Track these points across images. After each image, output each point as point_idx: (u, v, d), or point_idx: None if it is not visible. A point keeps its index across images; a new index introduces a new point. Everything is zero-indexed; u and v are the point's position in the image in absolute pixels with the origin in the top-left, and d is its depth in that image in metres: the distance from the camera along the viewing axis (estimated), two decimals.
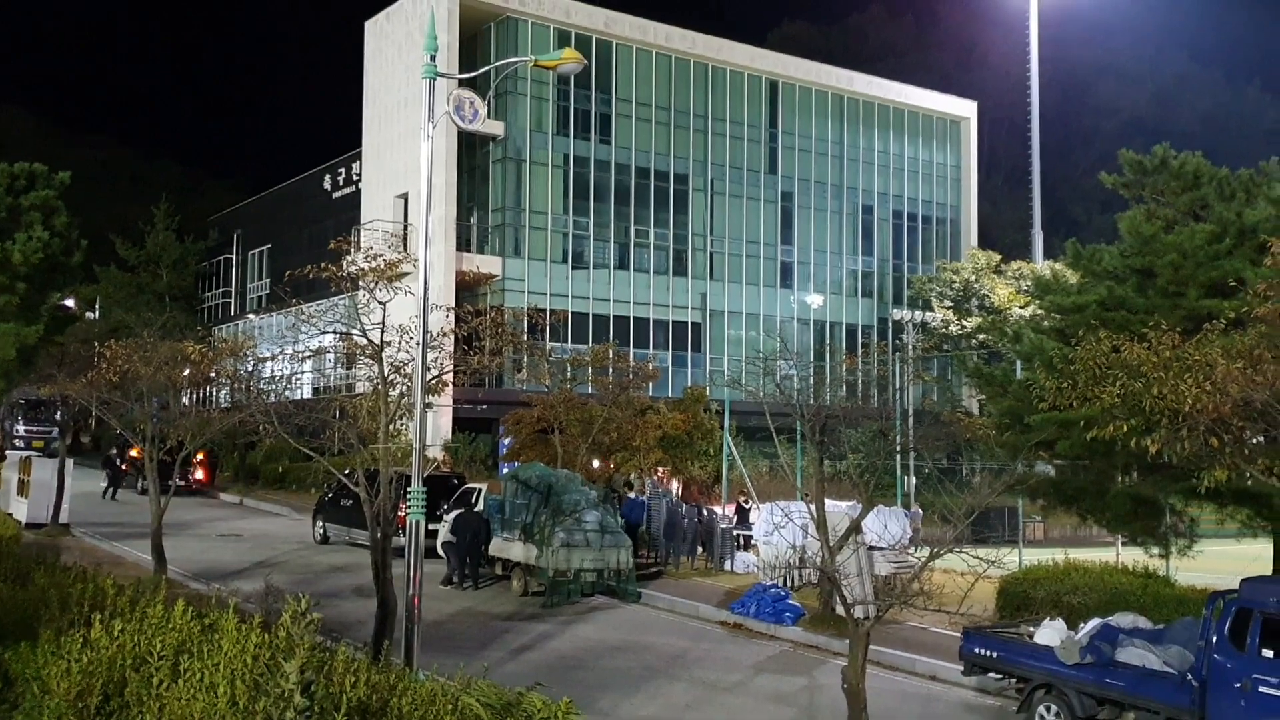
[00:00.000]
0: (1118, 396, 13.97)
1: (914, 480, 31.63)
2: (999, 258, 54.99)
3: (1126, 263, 18.00)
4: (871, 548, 19.83)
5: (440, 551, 23.40)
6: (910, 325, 46.40)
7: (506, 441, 36.55)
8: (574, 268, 52.62)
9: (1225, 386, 12.80)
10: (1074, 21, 77.37)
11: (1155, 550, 18.12)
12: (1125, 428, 13.84)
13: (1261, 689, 10.96)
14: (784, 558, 20.24)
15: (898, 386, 28.83)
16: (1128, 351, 14.21)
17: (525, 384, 39.36)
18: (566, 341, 47.21)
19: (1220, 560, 18.87)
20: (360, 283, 16.50)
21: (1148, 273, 17.60)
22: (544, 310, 39.17)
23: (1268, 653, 11.12)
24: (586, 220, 53.56)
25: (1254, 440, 14.32)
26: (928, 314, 51.35)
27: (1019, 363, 20.90)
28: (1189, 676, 11.74)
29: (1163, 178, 18.81)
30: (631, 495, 27.48)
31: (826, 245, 61.80)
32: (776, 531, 17.56)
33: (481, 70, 17.06)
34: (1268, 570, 16.72)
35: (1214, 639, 11.63)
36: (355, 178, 56.62)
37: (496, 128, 49.81)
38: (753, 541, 25.53)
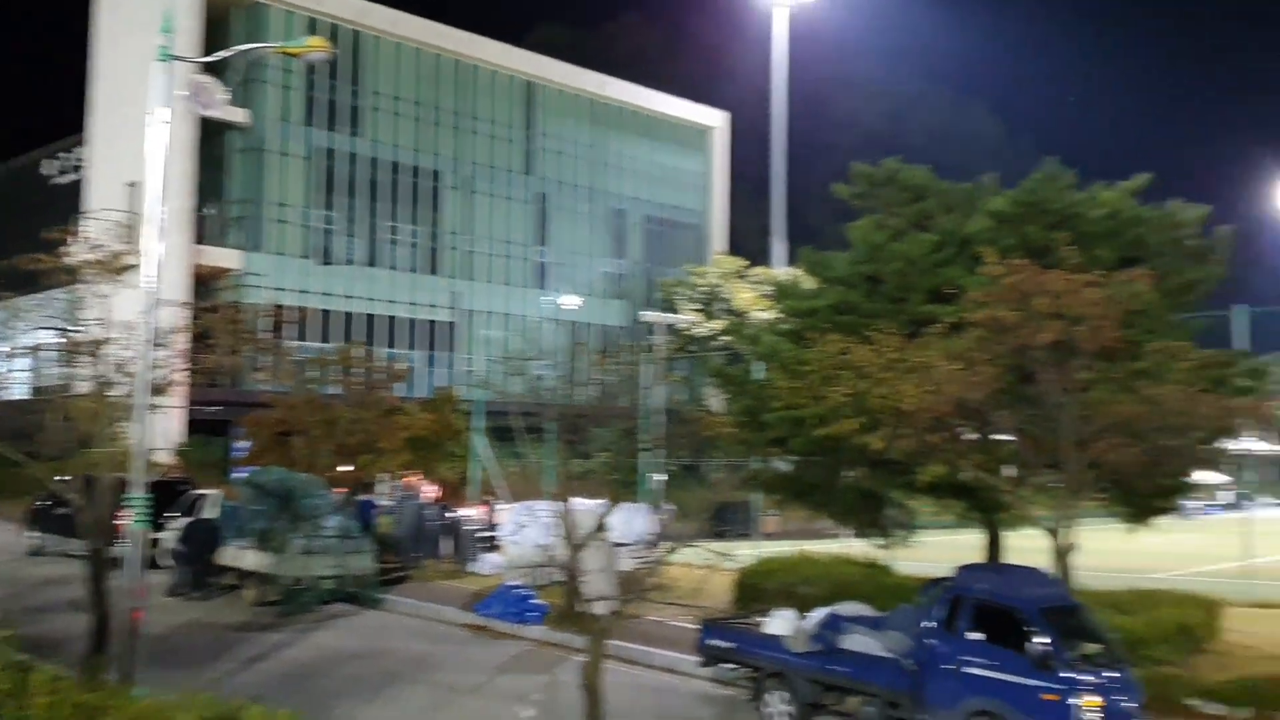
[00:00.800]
0: (846, 396, 14.65)
1: (661, 477, 32.29)
2: (744, 263, 56.90)
3: (857, 269, 18.86)
4: (616, 544, 20.03)
5: (170, 560, 22.13)
6: (659, 327, 47.42)
7: (244, 445, 34.88)
8: (321, 263, 50.95)
9: (943, 387, 13.62)
10: (817, 38, 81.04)
11: (879, 541, 19.08)
12: (852, 425, 14.53)
13: (968, 669, 11.70)
14: (530, 557, 20.20)
15: (645, 386, 29.34)
16: (856, 353, 14.92)
17: (266, 385, 37.74)
18: (312, 340, 45.60)
19: (938, 550, 20.06)
20: (81, 275, 15.35)
21: (876, 279, 18.49)
22: (288, 307, 37.75)
23: (977, 635, 11.88)
24: (335, 215, 51.96)
25: (968, 438, 15.32)
26: (676, 316, 52.59)
27: (759, 364, 21.63)
28: (907, 660, 12.40)
29: (891, 190, 19.84)
30: (364, 497, 26.85)
31: (581, 247, 62.34)
32: (521, 531, 17.48)
33: (220, 54, 16.17)
34: (981, 559, 17.89)
35: (929, 624, 12.33)
36: (79, 164, 52.86)
37: (240, 116, 47.63)
38: (499, 542, 25.38)
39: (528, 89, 60.38)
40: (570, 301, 57.77)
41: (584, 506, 14.04)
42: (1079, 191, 17.54)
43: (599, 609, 12.28)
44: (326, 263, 51.21)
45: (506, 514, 25.25)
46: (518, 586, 20.48)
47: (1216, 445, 15.93)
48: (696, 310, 54.67)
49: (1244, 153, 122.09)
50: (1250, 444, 51.58)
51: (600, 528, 13.02)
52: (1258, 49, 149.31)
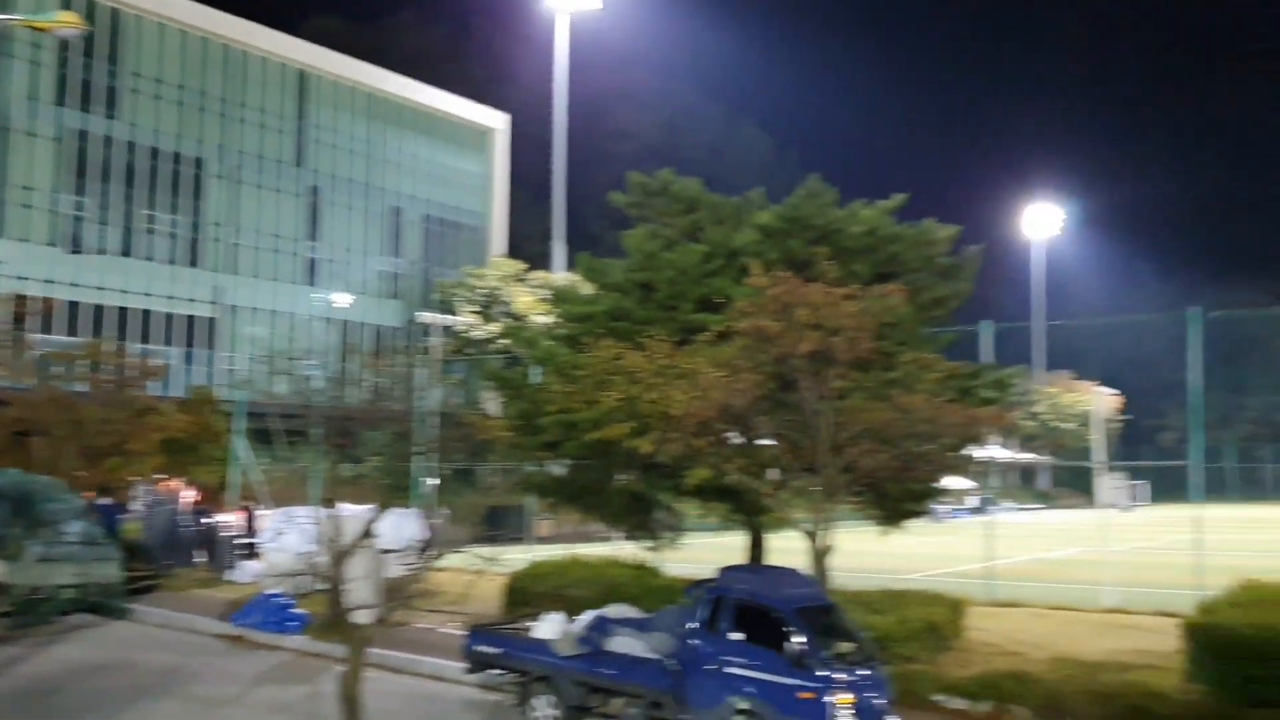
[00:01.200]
0: (618, 400, 14.80)
1: (434, 481, 31.75)
2: (523, 266, 56.85)
3: (631, 277, 19.11)
4: (385, 551, 19.57)
5: None
6: (436, 329, 46.75)
7: None
8: (70, 252, 47.82)
9: (709, 393, 13.93)
10: (600, 47, 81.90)
11: (648, 543, 19.36)
12: (624, 429, 14.69)
13: (730, 669, 11.99)
14: (291, 565, 19.48)
15: (420, 388, 28.80)
16: (629, 359, 15.08)
17: (4, 380, 35.09)
18: (58, 333, 42.67)
19: (705, 551, 20.50)
20: None
21: (650, 287, 18.78)
22: (32, 297, 35.20)
23: (738, 636, 12.18)
24: (87, 201, 48.86)
25: (734, 442, 15.73)
26: (454, 318, 52.02)
27: (536, 368, 21.60)
28: (671, 661, 12.60)
29: (665, 200, 20.21)
30: (104, 501, 25.35)
31: (355, 244, 60.80)
32: (281, 537, 16.85)
33: None
34: (744, 560, 18.41)
35: (692, 625, 12.57)
36: None
37: None
38: (260, 549, 24.39)
39: (301, 79, 58.47)
40: (342, 300, 56.24)
41: (351, 512, 13.67)
42: (840, 209, 18.32)
43: (361, 617, 11.96)
44: (76, 251, 48.12)
45: (268, 520, 24.30)
46: (278, 595, 19.73)
47: (963, 452, 16.92)
48: (475, 313, 54.21)
49: (992, 177, 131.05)
50: (994, 451, 55.42)
51: (367, 533, 12.69)
52: (1011, 81, 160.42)
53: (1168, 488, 66.58)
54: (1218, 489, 79.90)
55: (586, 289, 21.79)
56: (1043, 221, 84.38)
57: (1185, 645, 14.21)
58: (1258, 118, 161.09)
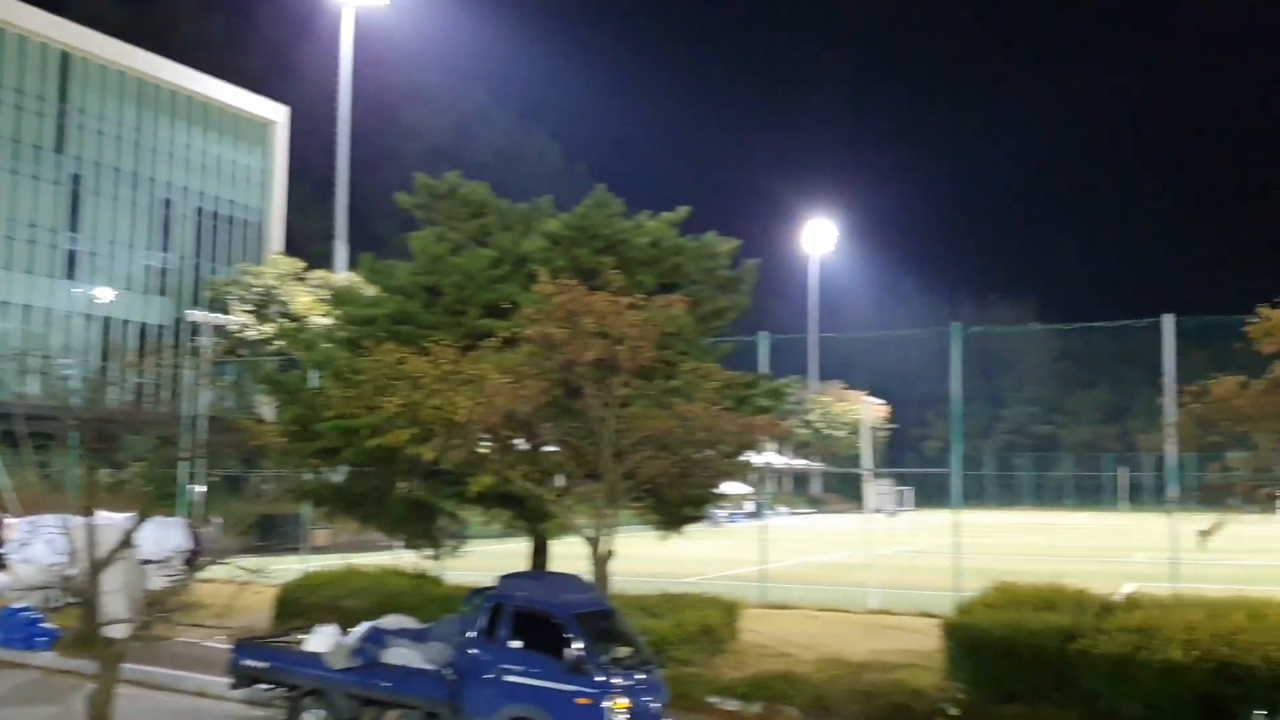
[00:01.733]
0: (400, 406, 14.49)
1: (201, 489, 30.36)
2: (303, 265, 55.05)
3: (417, 280, 18.77)
4: (145, 561, 18.56)
5: None
6: (207, 328, 44.67)
7: None
8: None
9: (494, 400, 13.83)
10: (388, 44, 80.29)
11: (429, 552, 19.05)
12: (405, 436, 14.40)
13: (508, 677, 11.92)
14: (39, 577, 18.22)
15: (189, 391, 27.52)
16: (412, 364, 14.80)
17: None
18: None
19: (487, 559, 20.36)
20: None
21: (435, 291, 18.49)
22: None
23: (516, 643, 12.12)
24: None
25: (519, 449, 15.67)
26: (227, 317, 49.86)
27: (313, 371, 20.92)
28: (448, 671, 12.42)
29: (452, 203, 19.96)
30: None
31: (121, 237, 57.57)
32: (25, 548, 15.73)
33: None
34: (527, 566, 18.36)
35: (471, 634, 12.43)
36: None
37: None
38: (5, 560, 22.69)
39: (64, 60, 54.98)
40: (104, 295, 53.13)
41: (108, 521, 12.88)
42: (626, 219, 18.54)
43: (116, 632, 11.29)
44: None
45: (13, 529, 22.65)
46: (25, 609, 18.42)
47: (740, 458, 17.39)
48: (249, 312, 52.09)
49: (774, 192, 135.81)
50: (770, 457, 57.26)
51: (125, 543, 11.99)
52: (794, 99, 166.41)
53: (931, 494, 70.55)
54: (977, 495, 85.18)
55: (369, 291, 21.27)
56: (818, 237, 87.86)
57: (944, 645, 15.00)
58: (1011, 148, 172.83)
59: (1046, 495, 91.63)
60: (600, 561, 14.61)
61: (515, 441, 15.66)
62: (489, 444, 14.35)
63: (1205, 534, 9.90)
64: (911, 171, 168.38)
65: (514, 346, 15.25)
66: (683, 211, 18.99)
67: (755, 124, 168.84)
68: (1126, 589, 18.19)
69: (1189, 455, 15.46)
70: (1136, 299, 71.59)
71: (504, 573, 13.74)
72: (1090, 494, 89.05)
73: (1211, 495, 11.01)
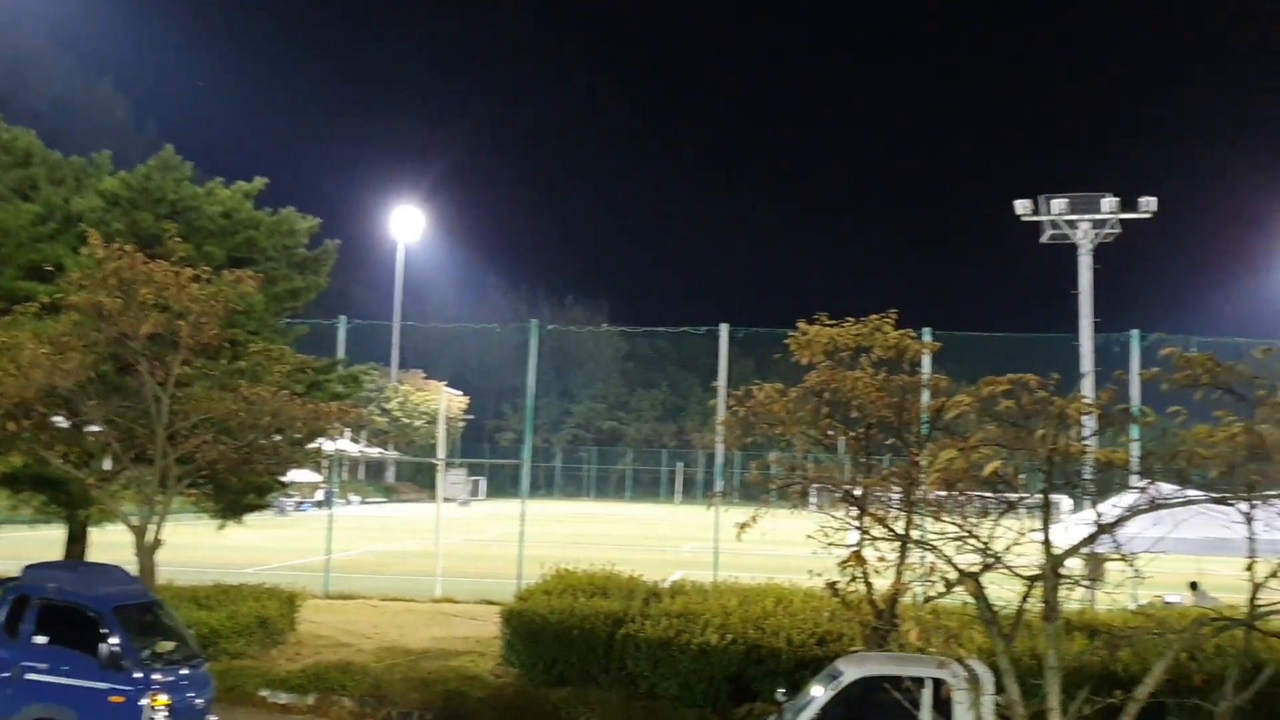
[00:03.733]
0: None
1: None
2: None
3: None
4: None
5: None
6: None
7: None
8: None
9: (30, 372, 12.52)
10: None
11: None
12: None
13: (30, 676, 10.87)
14: None
15: None
16: None
17: None
18: None
19: (17, 547, 18.48)
20: None
21: None
22: None
23: (42, 639, 11.07)
24: None
25: (59, 426, 14.30)
26: None
27: None
28: None
29: None
30: None
31: None
32: None
33: None
34: (63, 556, 16.79)
35: None
36: None
37: None
38: None
39: None
40: None
41: None
42: (197, 186, 17.44)
43: None
44: None
45: None
46: None
47: (310, 445, 16.87)
48: None
49: (362, 178, 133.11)
50: (345, 445, 56.00)
51: None
52: (389, 86, 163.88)
53: (503, 484, 72.15)
54: (546, 486, 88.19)
55: None
56: (406, 224, 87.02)
57: (502, 631, 15.38)
58: (589, 157, 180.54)
59: (609, 487, 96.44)
60: (147, 551, 13.64)
61: (55, 419, 14.28)
62: (21, 420, 12.95)
63: (743, 526, 10.81)
64: (501, 170, 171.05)
65: (58, 314, 13.90)
66: (259, 182, 18.12)
67: (348, 106, 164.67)
68: (675, 576, 19.54)
69: (735, 454, 16.78)
70: (697, 308, 77.09)
71: (32, 562, 12.52)
72: (649, 487, 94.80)
73: (751, 491, 12.01)
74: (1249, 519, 7.79)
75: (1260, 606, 7.88)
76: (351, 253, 19.74)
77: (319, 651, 16.20)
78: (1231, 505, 7.82)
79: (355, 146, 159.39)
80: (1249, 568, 7.87)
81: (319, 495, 58.14)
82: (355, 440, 68.66)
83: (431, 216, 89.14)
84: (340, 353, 23.29)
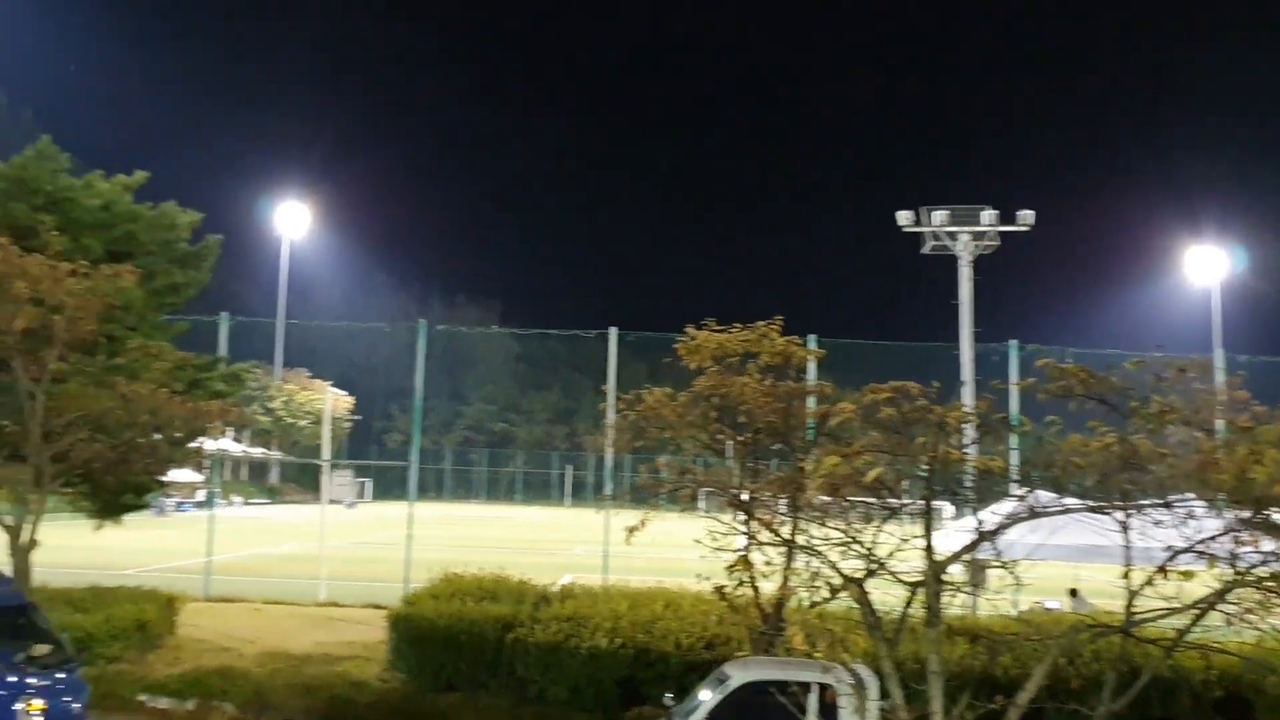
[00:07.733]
0: None
1: None
2: None
3: None
4: None
5: None
6: None
7: None
8: None
9: None
10: None
11: None
12: None
13: None
14: None
15: None
16: None
17: None
18: None
19: None
20: None
21: None
22: None
23: None
24: None
25: None
26: None
27: None
28: None
29: None
30: None
31: None
32: None
33: None
34: None
35: None
36: None
37: None
38: None
39: None
40: None
41: None
42: (75, 177, 16.91)
43: None
44: None
45: None
46: None
47: (191, 445, 16.48)
48: None
49: (247, 173, 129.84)
50: (227, 445, 54.67)
51: None
52: (275, 81, 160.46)
53: (391, 486, 71.07)
54: (435, 488, 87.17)
55: None
56: (292, 220, 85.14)
57: (389, 636, 15.20)
58: (480, 159, 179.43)
59: (500, 490, 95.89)
60: (22, 552, 13.20)
61: None
62: None
63: (632, 529, 10.87)
64: (392, 167, 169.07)
65: None
66: (140, 176, 17.63)
67: (233, 100, 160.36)
68: (565, 580, 19.54)
69: (625, 457, 16.87)
70: (592, 310, 77.07)
71: None
72: (539, 489, 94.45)
73: (641, 494, 12.06)
74: (1125, 527, 8.09)
75: (1136, 614, 8.19)
76: (235, 248, 19.38)
77: (199, 656, 15.81)
78: (1107, 514, 8.13)
79: (239, 141, 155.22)
80: (1125, 575, 8.18)
81: (200, 496, 56.62)
82: (238, 440, 67.10)
83: (319, 213, 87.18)
84: (222, 350, 22.77)
